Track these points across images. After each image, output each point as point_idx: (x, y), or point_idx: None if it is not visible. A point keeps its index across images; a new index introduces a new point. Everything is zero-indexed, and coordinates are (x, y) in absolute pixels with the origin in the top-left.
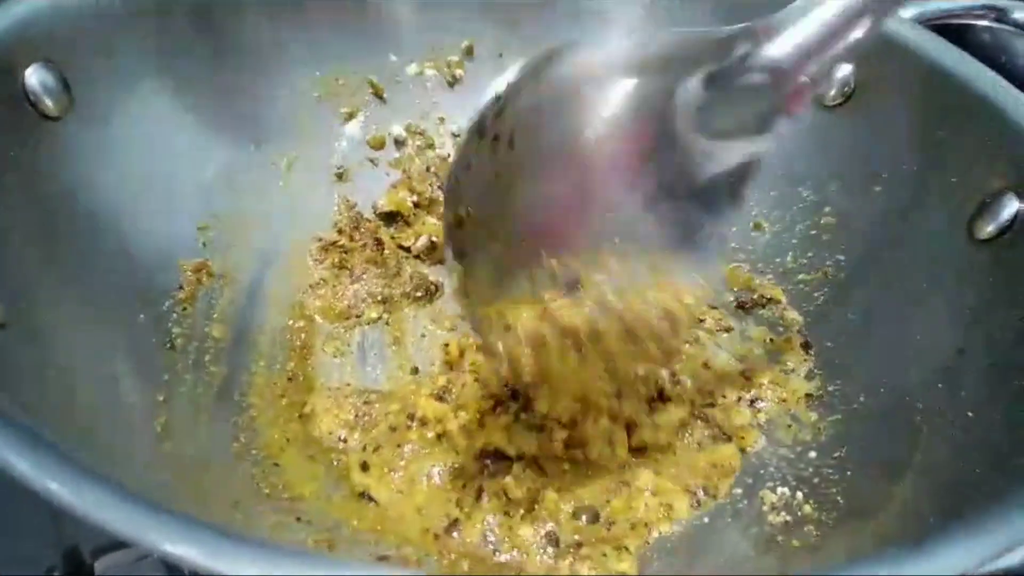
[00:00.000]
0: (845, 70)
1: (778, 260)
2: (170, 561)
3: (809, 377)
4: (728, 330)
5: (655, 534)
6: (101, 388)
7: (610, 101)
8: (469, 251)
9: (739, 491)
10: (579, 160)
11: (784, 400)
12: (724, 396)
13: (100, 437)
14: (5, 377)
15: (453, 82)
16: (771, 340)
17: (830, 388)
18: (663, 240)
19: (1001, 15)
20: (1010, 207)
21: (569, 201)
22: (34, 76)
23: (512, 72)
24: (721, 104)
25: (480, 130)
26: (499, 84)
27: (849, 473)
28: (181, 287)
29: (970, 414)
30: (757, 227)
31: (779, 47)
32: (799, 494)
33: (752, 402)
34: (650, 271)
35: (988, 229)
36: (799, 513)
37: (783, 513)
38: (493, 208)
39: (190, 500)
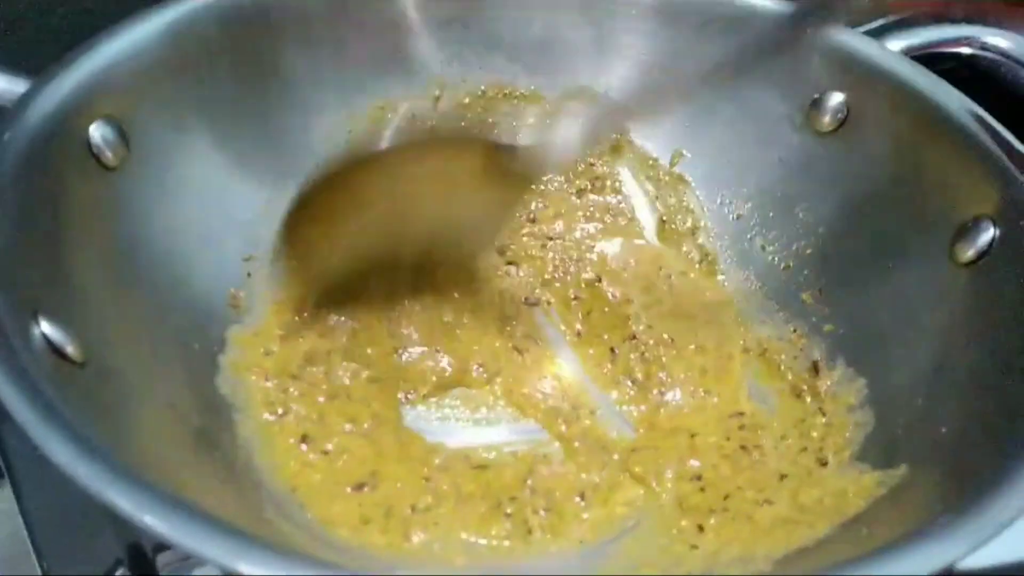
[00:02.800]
0: (838, 99)
1: (775, 278)
2: None
3: None
4: None
5: None
6: (164, 416)
7: None
8: None
9: None
10: None
11: None
12: None
13: (166, 462)
14: (89, 413)
15: None
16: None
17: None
18: None
19: (975, 43)
20: (987, 233)
21: None
22: (97, 131)
23: None
24: None
25: None
26: None
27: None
28: None
29: (944, 430)
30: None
31: None
32: None
33: None
34: None
35: (968, 253)
36: None
37: None
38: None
39: (250, 520)
